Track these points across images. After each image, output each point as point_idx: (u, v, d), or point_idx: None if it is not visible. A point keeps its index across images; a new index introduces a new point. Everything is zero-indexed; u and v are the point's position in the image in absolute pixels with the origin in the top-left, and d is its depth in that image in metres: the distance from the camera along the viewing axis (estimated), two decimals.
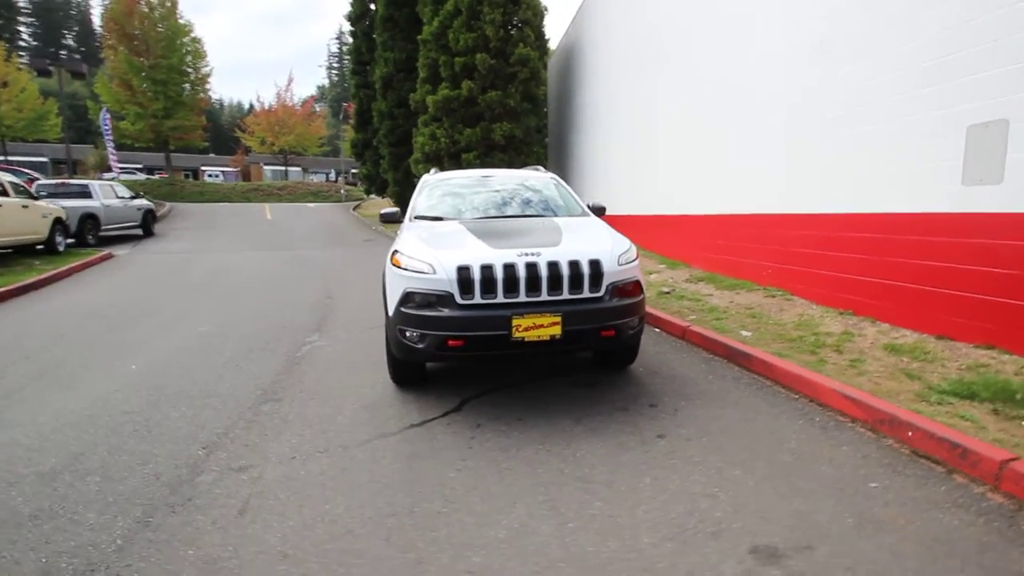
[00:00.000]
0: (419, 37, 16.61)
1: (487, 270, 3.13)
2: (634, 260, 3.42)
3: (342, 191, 33.78)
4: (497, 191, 4.77)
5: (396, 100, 20.56)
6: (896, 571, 1.92)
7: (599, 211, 4.50)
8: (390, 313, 3.43)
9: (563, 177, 17.80)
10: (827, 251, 5.34)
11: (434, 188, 4.75)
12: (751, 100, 6.86)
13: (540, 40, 16.49)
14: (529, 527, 2.21)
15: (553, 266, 3.13)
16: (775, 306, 5.58)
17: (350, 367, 4.25)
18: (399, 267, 3.40)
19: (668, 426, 3.12)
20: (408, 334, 3.25)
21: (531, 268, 3.12)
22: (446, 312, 3.14)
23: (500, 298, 3.12)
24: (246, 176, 51.08)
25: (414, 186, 5.06)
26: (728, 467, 2.66)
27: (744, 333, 4.64)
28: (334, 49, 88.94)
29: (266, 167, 55.33)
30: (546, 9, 16.67)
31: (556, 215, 4.26)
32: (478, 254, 3.21)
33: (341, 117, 50.28)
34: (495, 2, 14.92)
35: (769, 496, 2.40)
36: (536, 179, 5.00)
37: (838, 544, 2.07)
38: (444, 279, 3.18)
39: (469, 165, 15.55)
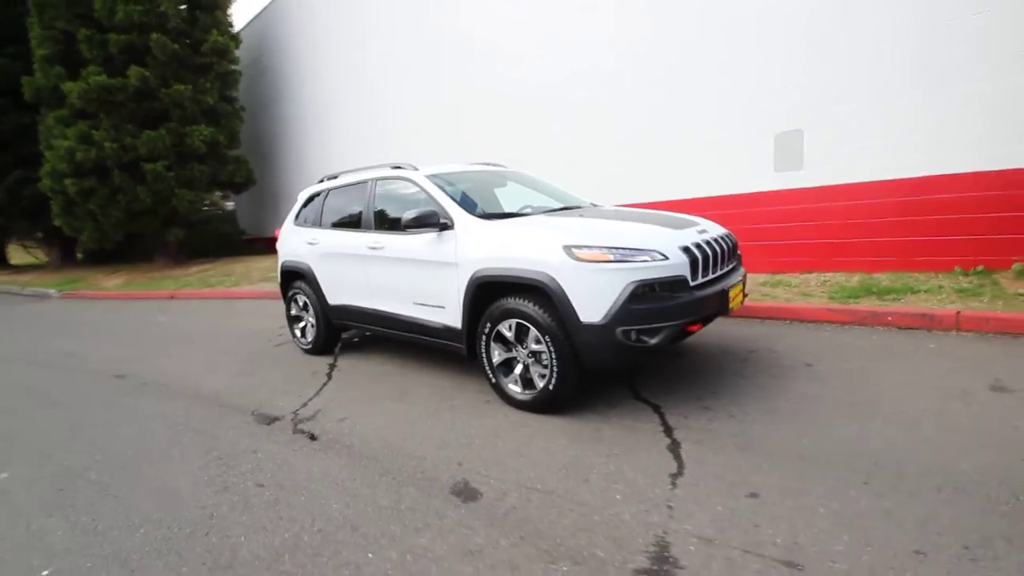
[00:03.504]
0: None
1: (701, 249, 2.91)
2: None
3: None
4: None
5: None
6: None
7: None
8: (594, 320, 2.65)
9: (274, 193, 15.48)
10: None
11: (443, 179, 3.65)
12: (595, 113, 7.91)
13: (231, 28, 13.68)
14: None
15: (726, 238, 3.25)
16: None
17: None
18: (606, 261, 2.65)
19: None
20: (635, 334, 2.61)
21: (721, 241, 3.15)
22: (684, 297, 2.72)
23: (711, 274, 2.97)
24: None
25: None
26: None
27: None
28: None
29: None
30: None
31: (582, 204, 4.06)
32: (677, 235, 2.93)
33: None
34: None
35: None
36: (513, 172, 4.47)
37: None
38: (677, 263, 2.74)
39: (157, 177, 11.55)
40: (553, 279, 2.74)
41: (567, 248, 2.74)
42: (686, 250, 2.78)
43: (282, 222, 5.48)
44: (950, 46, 4.70)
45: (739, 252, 3.56)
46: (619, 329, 2.62)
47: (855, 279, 5.14)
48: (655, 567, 1.69)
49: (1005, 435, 2.31)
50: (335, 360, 4.48)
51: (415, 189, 3.73)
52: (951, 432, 2.37)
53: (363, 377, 3.96)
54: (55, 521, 2.26)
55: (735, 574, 1.63)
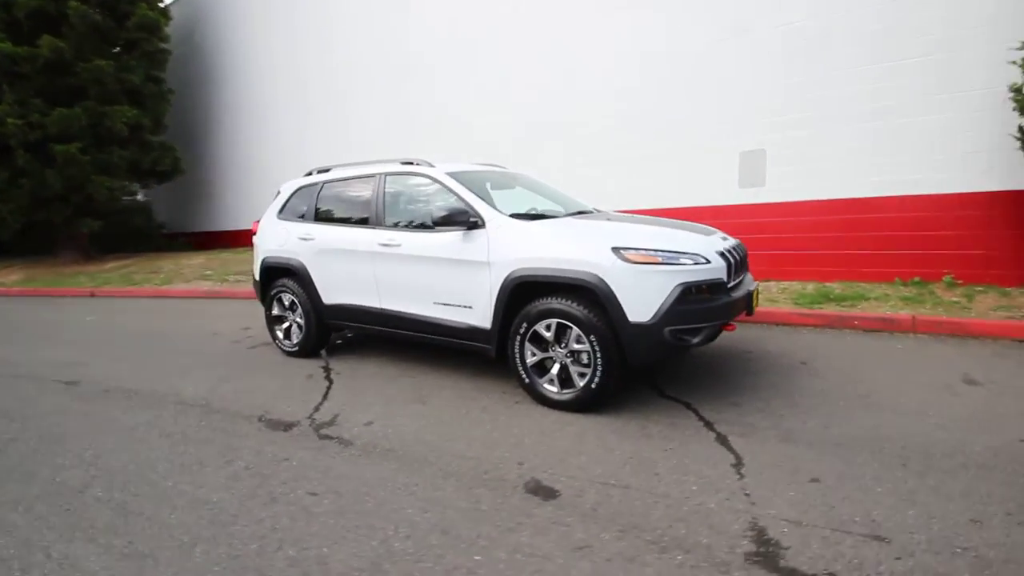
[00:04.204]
0: None
1: (732, 254, 3.08)
2: None
3: None
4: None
5: None
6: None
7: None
8: (643, 319, 2.74)
9: (200, 184, 14.29)
10: None
11: (463, 177, 3.58)
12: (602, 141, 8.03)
13: (161, 2, 12.46)
14: None
15: (741, 246, 3.41)
16: None
17: None
18: (654, 263, 2.74)
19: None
20: (680, 334, 2.75)
21: (740, 248, 3.31)
22: (722, 299, 2.89)
23: (736, 278, 3.13)
24: None
25: None
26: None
27: None
28: None
29: None
30: None
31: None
32: (711, 241, 3.10)
33: None
34: None
35: None
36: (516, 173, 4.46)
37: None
38: (717, 267, 2.90)
39: (70, 161, 10.23)
40: (602, 280, 2.80)
41: (616, 250, 2.81)
42: (722, 255, 2.97)
43: (254, 216, 5.11)
44: (895, 82, 5.37)
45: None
46: (667, 329, 2.73)
47: (810, 287, 5.68)
48: (762, 550, 1.79)
49: (995, 421, 2.68)
50: (327, 363, 4.24)
51: (434, 186, 3.64)
52: (952, 419, 2.71)
53: (368, 380, 3.78)
54: (81, 546, 1.96)
55: (834, 551, 1.76)
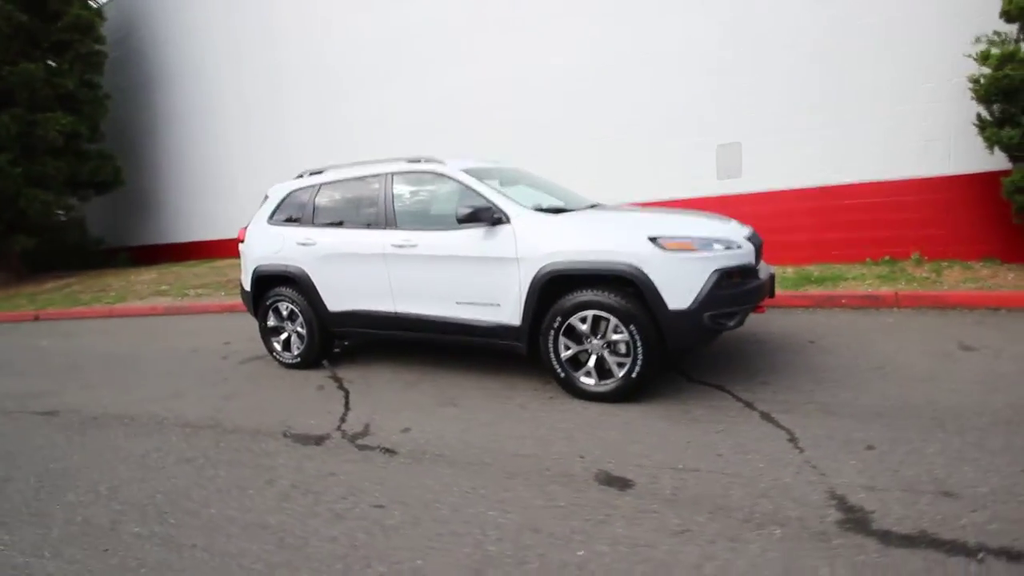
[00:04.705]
0: None
1: (753, 239, 3.14)
2: None
3: None
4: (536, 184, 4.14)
5: None
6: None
7: None
8: (682, 306, 2.78)
9: (142, 195, 13.38)
10: None
11: (477, 174, 3.52)
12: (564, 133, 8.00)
13: (95, 1, 11.54)
14: None
15: (756, 233, 3.42)
16: None
17: None
18: (690, 250, 2.77)
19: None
20: (718, 318, 2.81)
21: (757, 235, 3.37)
22: (753, 283, 2.98)
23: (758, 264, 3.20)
24: None
25: None
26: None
27: None
28: None
29: None
30: None
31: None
32: (736, 227, 3.18)
33: None
34: None
35: None
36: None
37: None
38: (747, 251, 2.96)
39: (0, 174, 9.29)
40: (640, 269, 2.82)
41: (652, 239, 2.84)
42: (748, 239, 3.06)
43: (238, 223, 4.82)
44: (862, 75, 5.72)
45: None
46: (706, 314, 2.79)
47: (790, 271, 5.97)
48: (850, 516, 1.85)
49: (1002, 381, 2.90)
50: (333, 373, 4.05)
51: (447, 184, 3.56)
52: (963, 383, 2.92)
53: (385, 387, 3.64)
54: None
55: (915, 510, 1.85)
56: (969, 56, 4.72)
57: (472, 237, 3.31)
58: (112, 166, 11.87)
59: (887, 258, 5.71)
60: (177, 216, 13.23)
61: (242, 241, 4.54)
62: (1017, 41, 4.42)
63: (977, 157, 5.15)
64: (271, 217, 4.36)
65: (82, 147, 11.10)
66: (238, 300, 7.84)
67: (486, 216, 3.19)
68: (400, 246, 3.57)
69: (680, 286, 2.79)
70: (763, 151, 6.35)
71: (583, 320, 3.00)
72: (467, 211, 3.16)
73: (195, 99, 12.21)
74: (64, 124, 10.09)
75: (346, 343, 4.83)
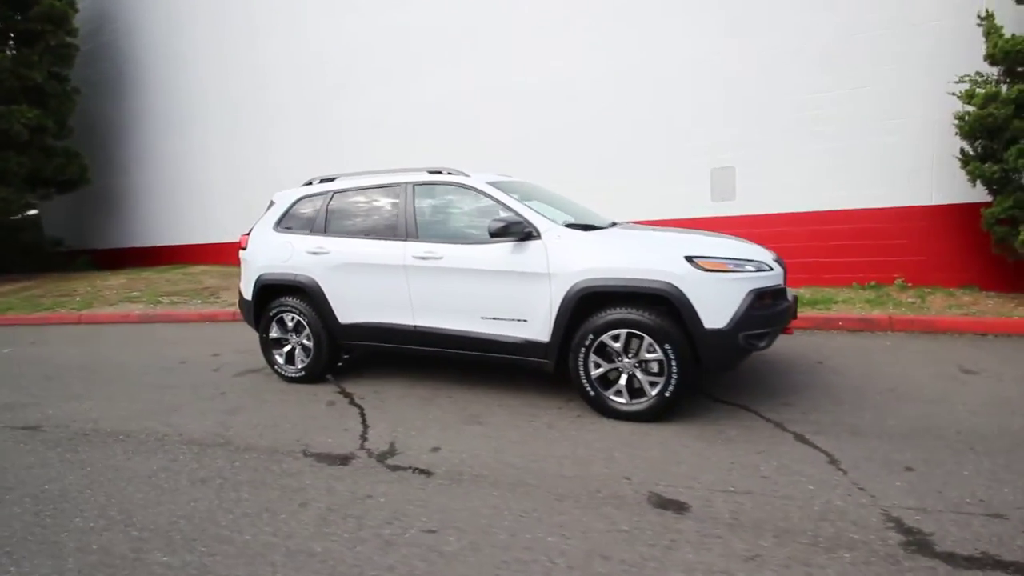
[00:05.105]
0: None
1: (780, 262, 3.21)
2: None
3: None
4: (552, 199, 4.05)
5: None
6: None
7: None
8: (719, 326, 2.81)
9: (107, 196, 12.76)
10: None
11: (504, 188, 3.50)
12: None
13: None
14: None
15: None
16: None
17: None
18: (725, 271, 2.80)
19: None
20: (752, 339, 2.86)
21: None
22: (783, 304, 3.08)
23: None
24: None
25: None
26: None
27: None
28: None
29: None
30: None
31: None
32: (763, 250, 3.26)
33: None
34: None
35: None
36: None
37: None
38: (778, 273, 3.04)
39: None
40: (676, 288, 2.84)
41: (689, 258, 2.87)
42: (777, 261, 3.13)
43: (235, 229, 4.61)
44: (851, 108, 6.01)
45: None
46: (741, 334, 2.82)
47: None
48: (911, 538, 1.87)
49: (1010, 404, 3.04)
50: (342, 388, 3.90)
51: (472, 197, 3.51)
52: (976, 405, 3.04)
53: (399, 403, 3.52)
54: None
55: (971, 532, 1.89)
56: (953, 94, 5.04)
57: (501, 251, 3.26)
58: (78, 164, 11.26)
59: (873, 283, 5.97)
60: (146, 219, 12.63)
61: (243, 248, 4.35)
62: (999, 82, 4.75)
63: (958, 189, 5.47)
64: (277, 224, 4.19)
65: (47, 142, 10.49)
66: (218, 309, 7.51)
67: (517, 230, 3.16)
68: (423, 258, 3.49)
69: (716, 306, 2.82)
70: (757, 176, 6.57)
71: (615, 338, 2.99)
72: (500, 225, 3.12)
73: (171, 96, 11.76)
74: (30, 118, 9.52)
75: (346, 356, 4.66)
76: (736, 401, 3.25)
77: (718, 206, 6.79)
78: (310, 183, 4.30)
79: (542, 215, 3.28)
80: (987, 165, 4.74)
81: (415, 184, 3.72)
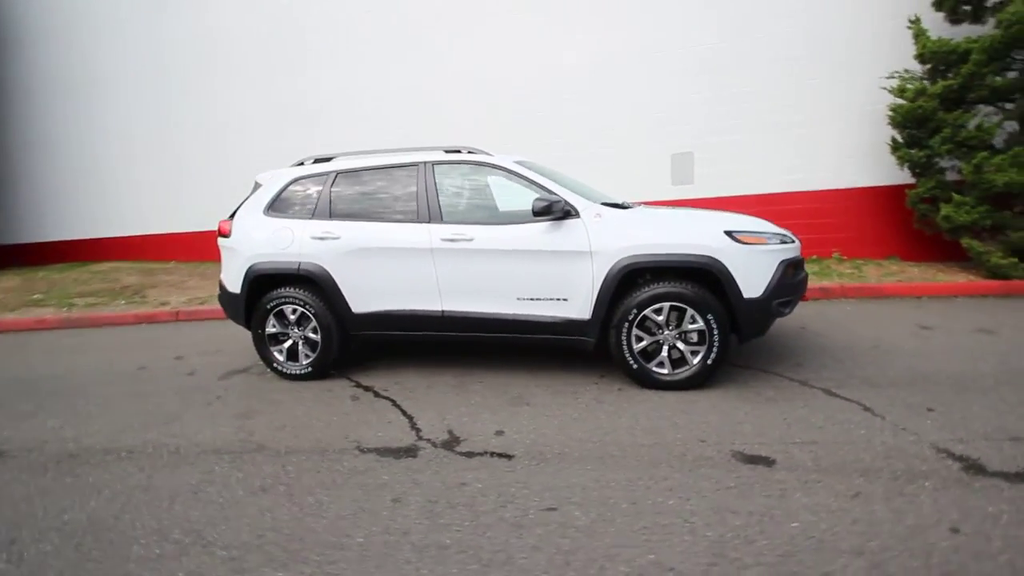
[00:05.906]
0: None
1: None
2: None
3: None
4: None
5: None
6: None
7: None
8: (755, 295, 3.03)
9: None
10: None
11: (532, 168, 3.48)
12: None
13: None
14: None
15: None
16: None
17: None
18: (762, 244, 3.04)
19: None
20: (781, 306, 3.12)
21: None
22: (803, 274, 3.34)
23: None
24: None
25: None
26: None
27: None
28: None
29: None
30: None
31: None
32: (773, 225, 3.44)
33: None
34: None
35: None
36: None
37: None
38: (799, 245, 3.25)
39: None
40: (719, 261, 3.00)
41: (729, 233, 3.04)
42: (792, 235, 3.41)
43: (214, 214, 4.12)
44: (797, 100, 6.63)
45: None
46: (775, 302, 3.06)
47: None
48: (967, 464, 2.17)
49: (969, 351, 3.59)
50: (356, 382, 3.67)
51: (500, 176, 3.44)
52: (945, 354, 3.56)
53: (429, 392, 3.40)
54: None
55: (1008, 454, 2.23)
56: (885, 89, 5.75)
57: (537, 231, 3.24)
58: None
59: (815, 257, 6.68)
60: (34, 209, 10.87)
61: (224, 235, 3.91)
62: (923, 79, 5.49)
63: (884, 172, 6.27)
64: (269, 208, 3.82)
65: None
66: (149, 310, 6.70)
67: (557, 209, 3.15)
68: (451, 240, 3.36)
69: (754, 276, 3.03)
70: (713, 162, 7.05)
71: (658, 312, 3.11)
72: (544, 204, 3.09)
73: (62, 69, 10.15)
74: None
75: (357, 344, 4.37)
76: (755, 366, 3.53)
77: (678, 189, 7.20)
78: (302, 163, 3.96)
79: (577, 194, 3.31)
80: (914, 151, 5.49)
81: (434, 163, 3.56)
